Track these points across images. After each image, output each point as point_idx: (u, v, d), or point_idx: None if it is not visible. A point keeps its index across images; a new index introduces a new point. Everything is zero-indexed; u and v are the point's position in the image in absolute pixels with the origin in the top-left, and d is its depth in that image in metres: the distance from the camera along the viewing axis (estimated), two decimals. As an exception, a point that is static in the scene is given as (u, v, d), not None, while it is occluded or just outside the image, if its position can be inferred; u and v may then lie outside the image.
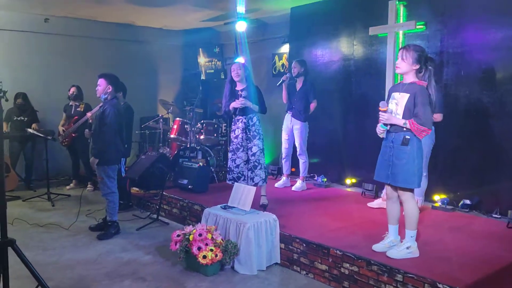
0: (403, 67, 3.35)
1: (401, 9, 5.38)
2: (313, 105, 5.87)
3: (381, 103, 3.40)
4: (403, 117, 3.29)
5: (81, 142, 6.51)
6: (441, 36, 5.18)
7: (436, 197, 5.06)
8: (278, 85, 5.88)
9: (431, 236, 3.97)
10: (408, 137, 3.29)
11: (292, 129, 5.91)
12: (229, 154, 4.90)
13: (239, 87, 4.79)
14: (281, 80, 5.85)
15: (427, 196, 5.10)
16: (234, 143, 4.83)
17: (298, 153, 5.95)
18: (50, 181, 6.47)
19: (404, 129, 3.29)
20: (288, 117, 5.98)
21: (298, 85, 5.90)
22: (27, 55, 7.46)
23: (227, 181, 4.87)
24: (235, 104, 4.68)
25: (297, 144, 5.93)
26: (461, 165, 5.02)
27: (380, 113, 3.39)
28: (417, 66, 3.31)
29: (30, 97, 6.99)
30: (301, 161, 5.97)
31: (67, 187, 7.08)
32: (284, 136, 6.02)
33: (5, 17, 7.15)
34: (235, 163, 4.80)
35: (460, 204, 4.90)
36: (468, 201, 4.84)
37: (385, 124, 3.40)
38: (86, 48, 7.98)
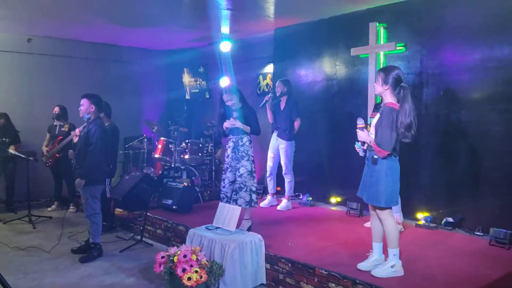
0: (376, 88, 3.50)
1: (382, 31, 5.52)
2: (297, 123, 5.94)
3: (358, 119, 3.50)
4: (375, 137, 3.38)
5: (65, 162, 6.41)
6: (420, 57, 5.32)
7: (420, 215, 5.11)
8: (261, 106, 5.91)
9: (415, 254, 4.00)
10: (376, 156, 3.36)
11: (278, 148, 5.95)
12: (223, 174, 4.88)
13: (234, 107, 4.73)
14: (263, 101, 5.91)
15: (410, 214, 5.16)
16: (225, 162, 4.78)
17: (283, 172, 5.98)
18: (32, 203, 6.35)
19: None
20: (274, 136, 6.03)
21: (282, 105, 5.96)
22: (10, 75, 7.40)
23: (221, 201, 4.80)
24: (226, 124, 4.67)
25: (282, 163, 5.95)
26: (443, 184, 5.09)
27: (357, 129, 3.49)
28: (387, 87, 3.39)
29: (12, 117, 6.90)
30: (286, 180, 5.99)
31: (49, 208, 6.96)
32: (270, 154, 6.06)
33: (-14, 37, 7.12)
34: (223, 183, 4.77)
35: (443, 222, 4.95)
36: (451, 219, 4.90)
37: (363, 143, 3.51)
38: (70, 68, 7.95)
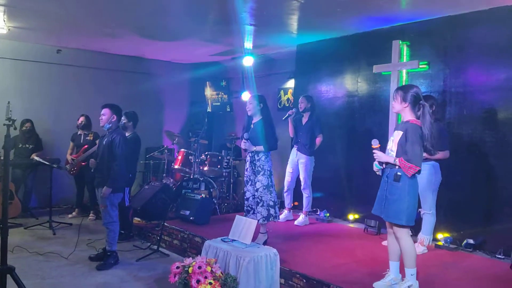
0: (395, 106, 3.49)
1: (405, 49, 5.53)
2: (319, 140, 5.92)
3: (373, 141, 3.48)
4: (397, 154, 3.35)
5: (89, 171, 6.51)
6: (444, 76, 5.27)
7: (440, 236, 5.00)
8: (283, 119, 5.96)
9: (433, 276, 3.91)
10: (400, 174, 3.33)
11: (298, 163, 5.94)
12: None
13: (254, 120, 4.81)
14: (287, 114, 5.93)
15: (430, 235, 5.06)
16: (245, 175, 4.87)
17: (302, 187, 5.96)
18: (53, 209, 6.45)
19: (396, 166, 3.33)
20: (294, 151, 6.03)
21: (304, 120, 5.97)
22: (39, 84, 7.63)
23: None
24: (242, 146, 4.78)
25: (301, 178, 5.94)
26: (465, 204, 4.99)
27: (373, 150, 3.46)
28: (406, 105, 3.40)
29: (38, 125, 7.11)
30: (304, 196, 5.96)
31: (70, 215, 7.07)
32: (289, 169, 6.05)
33: (19, 47, 7.37)
34: (245, 196, 4.83)
35: (463, 243, 4.84)
36: (471, 241, 4.79)
37: (380, 163, 3.47)
38: (96, 79, 8.15)
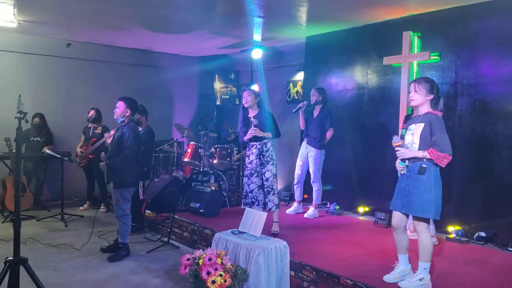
0: (418, 99, 3.35)
1: (416, 40, 5.46)
2: (329, 133, 5.87)
3: (394, 138, 3.35)
4: (420, 147, 3.27)
5: (98, 164, 6.56)
6: (455, 67, 5.20)
7: (451, 229, 4.98)
8: (294, 111, 5.92)
9: (445, 269, 3.89)
10: (425, 166, 3.25)
11: (307, 156, 5.92)
12: (244, 179, 4.96)
13: (251, 113, 4.88)
14: (297, 107, 5.89)
15: (442, 228, 5.02)
16: (248, 168, 4.89)
17: (311, 181, 5.94)
18: (64, 202, 6.53)
19: (424, 159, 3.26)
20: (304, 144, 6.01)
21: (315, 113, 5.93)
22: (49, 78, 7.68)
23: (242, 206, 4.89)
24: (247, 136, 4.80)
25: (311, 171, 5.92)
26: (477, 197, 4.95)
27: (395, 148, 3.35)
28: (431, 96, 3.34)
29: (49, 118, 7.17)
30: (314, 189, 5.95)
31: (81, 208, 7.15)
32: (299, 162, 6.04)
33: (29, 41, 7.41)
34: (249, 188, 4.86)
35: (475, 236, 4.81)
36: (483, 234, 4.75)
37: (403, 160, 3.36)
38: (106, 73, 8.19)
